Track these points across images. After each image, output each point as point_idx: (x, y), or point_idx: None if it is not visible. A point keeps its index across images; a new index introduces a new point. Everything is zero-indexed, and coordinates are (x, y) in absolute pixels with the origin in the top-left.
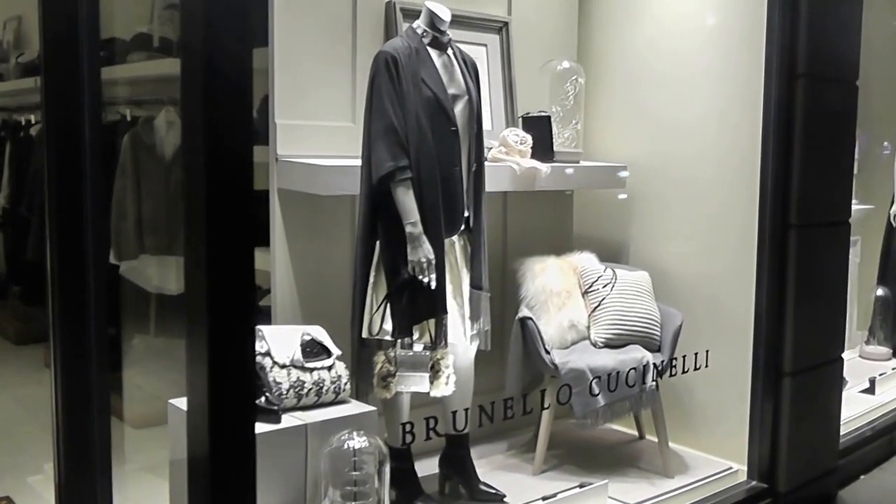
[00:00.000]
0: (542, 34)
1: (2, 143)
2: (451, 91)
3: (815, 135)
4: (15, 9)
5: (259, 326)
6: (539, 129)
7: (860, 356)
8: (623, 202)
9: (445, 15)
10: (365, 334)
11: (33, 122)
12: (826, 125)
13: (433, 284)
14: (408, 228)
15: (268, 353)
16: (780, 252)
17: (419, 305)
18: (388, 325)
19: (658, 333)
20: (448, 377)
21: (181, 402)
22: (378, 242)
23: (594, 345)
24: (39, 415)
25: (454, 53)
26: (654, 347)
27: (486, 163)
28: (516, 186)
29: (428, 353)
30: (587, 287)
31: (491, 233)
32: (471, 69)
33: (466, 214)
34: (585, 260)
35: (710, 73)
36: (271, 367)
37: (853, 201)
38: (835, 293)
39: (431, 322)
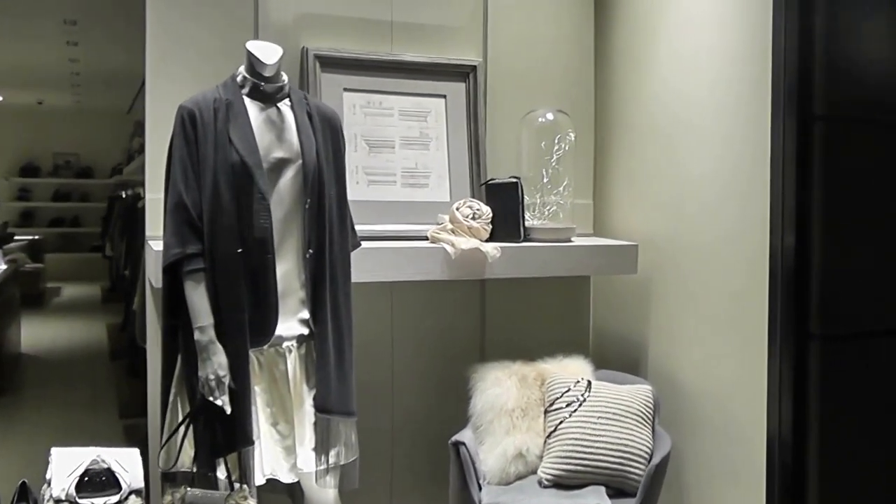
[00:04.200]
0: (541, 81)
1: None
2: (275, 154)
3: (848, 201)
4: None
5: (53, 448)
6: (505, 198)
7: None
8: (642, 290)
9: (269, 57)
10: (160, 465)
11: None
12: (866, 186)
13: (227, 409)
14: (196, 334)
15: (50, 482)
16: (797, 372)
17: (217, 434)
18: (189, 456)
19: (640, 472)
20: None
21: None
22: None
23: (540, 482)
24: None
25: (293, 106)
26: (632, 490)
27: (420, 244)
28: (454, 274)
29: (223, 495)
30: (549, 404)
31: (464, 331)
32: (321, 126)
33: (305, 316)
34: (563, 367)
35: (717, 123)
36: (48, 500)
37: None
38: None
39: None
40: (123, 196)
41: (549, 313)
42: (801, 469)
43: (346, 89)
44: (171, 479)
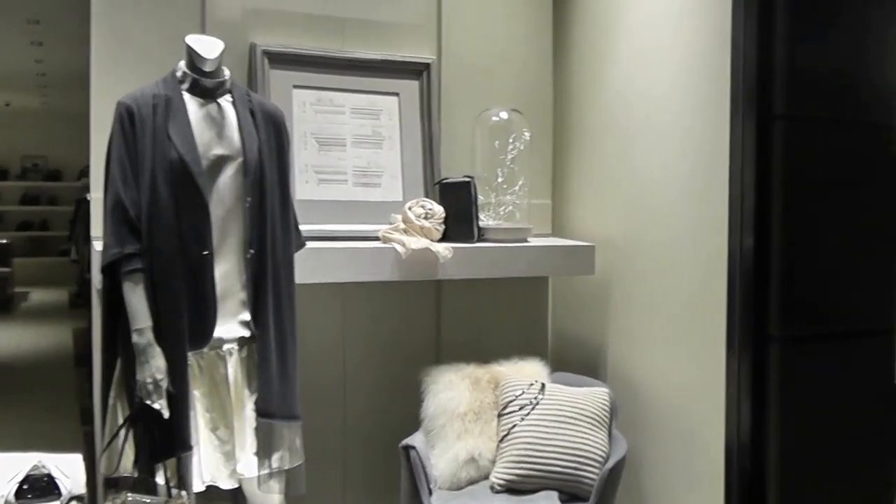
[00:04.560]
0: (498, 79)
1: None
2: (214, 151)
3: (808, 202)
4: None
5: None
6: (458, 198)
7: None
8: (601, 291)
9: (209, 51)
10: (102, 470)
11: None
12: (826, 187)
13: (165, 413)
14: (133, 337)
15: None
16: (756, 374)
17: (156, 439)
18: (131, 461)
19: (594, 476)
20: None
21: None
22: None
23: (492, 488)
24: None
25: (235, 102)
26: (585, 494)
27: (369, 244)
28: (405, 275)
29: (162, 501)
30: (503, 407)
31: (419, 333)
32: (264, 123)
33: (246, 318)
34: (518, 369)
35: (677, 121)
36: None
37: None
38: (870, 442)
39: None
40: (88, 199)
41: (507, 315)
42: (760, 473)
43: (295, 86)
44: (113, 484)
